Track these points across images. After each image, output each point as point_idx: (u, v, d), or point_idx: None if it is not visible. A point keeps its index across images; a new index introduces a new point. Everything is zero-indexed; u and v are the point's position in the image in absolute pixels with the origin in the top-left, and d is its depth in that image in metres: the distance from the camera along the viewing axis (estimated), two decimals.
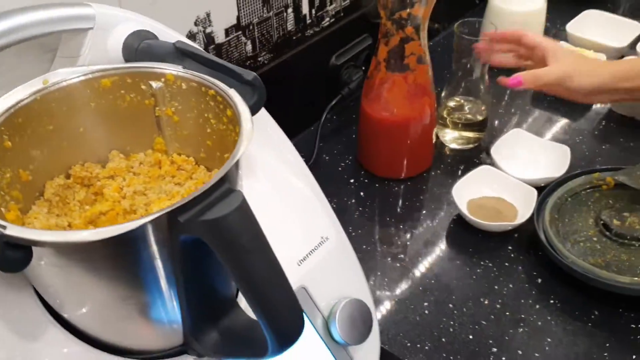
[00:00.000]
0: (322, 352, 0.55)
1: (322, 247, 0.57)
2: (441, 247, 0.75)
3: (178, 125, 0.52)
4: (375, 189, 0.83)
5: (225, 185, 0.39)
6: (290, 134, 0.89)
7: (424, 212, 0.80)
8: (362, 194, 0.82)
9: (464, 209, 0.75)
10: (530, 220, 0.73)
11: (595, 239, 0.70)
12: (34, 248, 0.37)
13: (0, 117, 0.45)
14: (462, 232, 0.76)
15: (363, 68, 0.94)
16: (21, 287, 0.46)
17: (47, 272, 0.41)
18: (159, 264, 0.40)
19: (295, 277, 0.54)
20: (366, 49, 0.94)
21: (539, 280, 0.70)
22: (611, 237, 0.70)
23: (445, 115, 0.86)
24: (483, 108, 0.85)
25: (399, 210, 0.81)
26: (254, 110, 0.47)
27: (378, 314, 0.67)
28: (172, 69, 0.49)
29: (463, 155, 0.87)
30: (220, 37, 0.72)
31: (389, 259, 0.74)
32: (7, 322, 0.44)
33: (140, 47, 0.51)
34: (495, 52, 0.81)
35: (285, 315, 0.40)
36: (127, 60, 0.51)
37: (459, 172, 0.84)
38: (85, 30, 0.50)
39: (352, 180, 0.84)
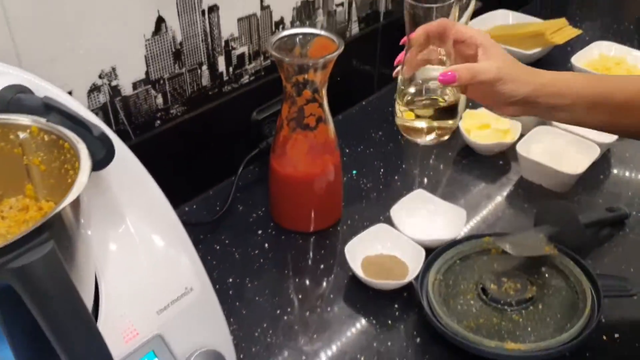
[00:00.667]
0: None
1: (185, 297, 0.59)
2: (332, 302, 0.77)
3: (45, 174, 0.55)
4: (280, 242, 0.86)
5: (44, 235, 0.41)
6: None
7: (322, 266, 0.82)
8: (266, 245, 0.85)
9: (357, 266, 0.78)
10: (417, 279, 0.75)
11: (472, 302, 0.73)
12: None
13: None
14: (356, 288, 0.79)
15: None
16: None
17: None
18: None
19: (152, 325, 0.57)
20: None
21: (418, 340, 0.72)
22: (486, 302, 0.72)
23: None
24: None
25: (299, 264, 0.83)
26: (102, 164, 0.50)
27: None
28: (35, 122, 0.52)
29: (371, 212, 0.89)
30: (127, 90, 0.76)
31: (277, 311, 0.76)
32: None
33: (12, 99, 0.54)
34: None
35: None
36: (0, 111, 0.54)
37: (364, 229, 0.87)
38: None
39: (260, 232, 0.87)
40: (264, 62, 0.93)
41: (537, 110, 0.67)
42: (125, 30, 0.73)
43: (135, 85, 0.77)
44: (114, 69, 0.74)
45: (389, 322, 0.74)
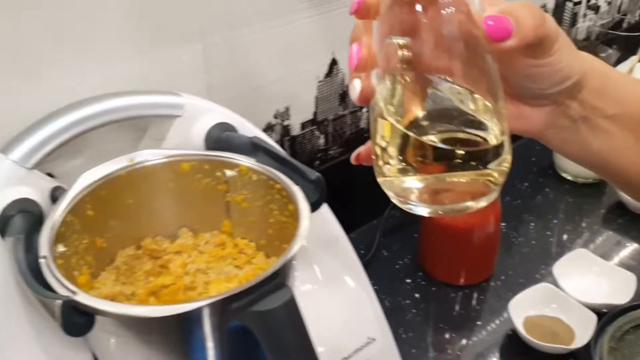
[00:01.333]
0: None
1: (367, 347, 0.57)
2: None
3: (245, 211, 0.55)
4: (431, 293, 0.83)
5: (277, 280, 0.41)
6: (353, 226, 0.93)
7: (479, 322, 0.79)
8: (417, 295, 0.83)
9: (519, 326, 0.74)
10: (586, 346, 0.70)
11: None
12: (97, 316, 0.40)
13: (87, 189, 0.49)
14: (516, 348, 0.75)
15: None
16: (83, 353, 0.49)
17: (106, 340, 0.43)
18: (209, 346, 0.42)
19: None
20: None
21: None
22: None
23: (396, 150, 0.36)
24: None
25: (454, 317, 0.80)
26: (314, 207, 0.49)
27: None
28: (246, 161, 0.53)
29: (524, 269, 0.86)
30: (295, 130, 0.77)
31: None
32: None
33: (220, 137, 0.55)
34: None
35: None
36: (207, 148, 0.55)
37: (519, 285, 0.83)
38: (174, 117, 0.55)
39: (408, 280, 0.85)
40: None
41: (569, 117, 0.39)
42: (304, 72, 0.74)
43: (303, 126, 0.78)
44: (287, 109, 0.74)
45: None
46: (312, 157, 0.82)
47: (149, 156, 0.53)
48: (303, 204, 0.48)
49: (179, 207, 0.56)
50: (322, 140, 0.81)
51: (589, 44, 1.16)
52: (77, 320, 0.38)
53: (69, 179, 0.50)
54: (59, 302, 0.37)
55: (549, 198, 0.99)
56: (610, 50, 1.19)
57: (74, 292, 0.39)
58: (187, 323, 0.41)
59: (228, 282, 0.51)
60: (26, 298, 0.46)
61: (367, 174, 0.98)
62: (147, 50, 0.60)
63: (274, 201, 0.52)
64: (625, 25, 1.27)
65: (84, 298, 0.39)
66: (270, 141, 0.55)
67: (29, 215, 0.46)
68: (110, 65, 0.58)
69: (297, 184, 0.50)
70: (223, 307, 0.39)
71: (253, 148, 0.54)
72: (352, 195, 0.89)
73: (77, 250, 0.49)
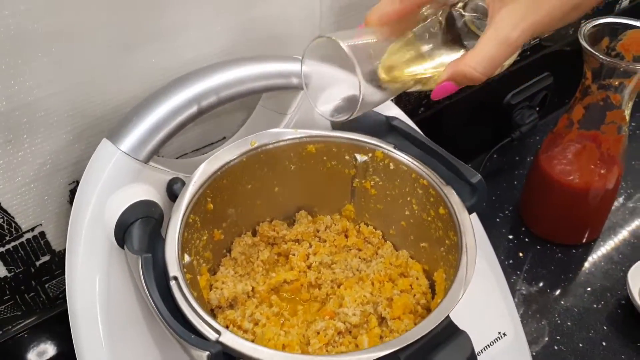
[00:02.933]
0: None
1: (497, 343, 0.53)
2: (603, 333, 0.69)
3: (373, 198, 0.49)
4: (535, 251, 0.77)
5: (448, 322, 0.35)
6: None
7: (589, 289, 0.73)
8: (520, 254, 0.77)
9: (635, 294, 0.68)
10: None
11: None
12: None
13: (208, 181, 0.43)
14: (628, 321, 0.70)
15: (537, 109, 0.87)
16: None
17: None
18: None
19: None
20: (544, 89, 0.86)
21: None
22: None
23: None
24: None
25: (563, 281, 0.74)
26: (469, 212, 0.42)
27: None
28: (383, 147, 0.46)
29: (635, 234, 0.79)
30: None
31: (546, 338, 0.68)
32: None
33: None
34: None
35: None
36: (334, 127, 0.48)
37: (629, 249, 0.77)
38: (299, 90, 0.47)
39: (510, 237, 0.79)
40: (533, 40, 0.82)
41: None
42: None
43: None
44: None
45: None
46: (416, 104, 0.73)
47: (271, 137, 0.46)
48: (462, 213, 0.41)
49: (299, 189, 0.49)
50: None
51: None
52: None
53: (170, 163, 0.44)
54: (205, 354, 0.32)
55: None
56: None
57: (218, 333, 0.34)
58: None
59: (359, 282, 0.46)
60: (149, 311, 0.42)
61: (471, 115, 0.89)
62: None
63: (414, 195, 0.46)
64: None
65: (231, 340, 0.34)
66: (411, 124, 0.47)
67: (149, 221, 0.40)
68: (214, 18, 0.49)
69: (447, 183, 0.43)
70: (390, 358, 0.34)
71: (390, 130, 0.46)
72: (453, 136, 0.81)
73: (197, 251, 0.44)
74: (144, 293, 0.36)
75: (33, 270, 0.51)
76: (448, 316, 0.35)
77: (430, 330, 0.34)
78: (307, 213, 0.51)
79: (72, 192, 0.49)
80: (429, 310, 0.44)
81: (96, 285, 0.40)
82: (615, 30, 0.66)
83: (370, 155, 0.46)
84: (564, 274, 0.75)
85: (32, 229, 0.49)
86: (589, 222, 0.77)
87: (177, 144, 0.52)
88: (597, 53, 0.62)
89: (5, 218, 0.47)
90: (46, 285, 0.53)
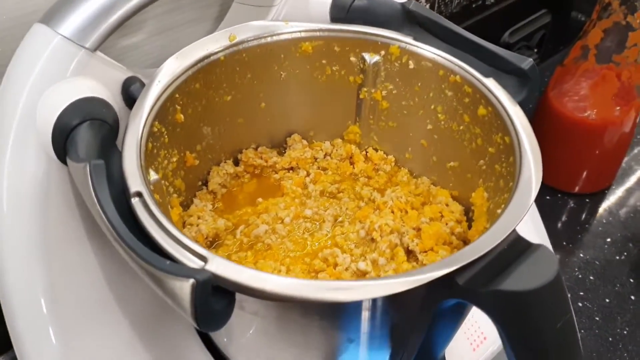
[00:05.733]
0: None
1: None
2: (631, 286, 0.61)
3: (385, 113, 0.39)
4: (546, 202, 0.69)
5: (517, 237, 0.26)
6: None
7: (608, 239, 0.65)
8: (548, 209, 0.68)
9: None
10: None
11: None
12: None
13: (177, 81, 0.33)
14: None
15: (535, 50, 0.79)
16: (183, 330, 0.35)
17: (241, 320, 0.29)
18: (389, 329, 0.28)
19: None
20: (542, 28, 0.79)
21: None
22: None
23: None
24: None
25: (577, 232, 0.66)
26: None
27: None
28: (400, 40, 0.36)
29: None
30: None
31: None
32: None
33: (354, 3, 0.37)
34: None
35: None
36: (333, 20, 0.38)
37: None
38: None
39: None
40: None
41: None
42: None
43: None
44: None
45: None
46: None
47: (256, 31, 0.36)
48: (514, 107, 0.31)
49: (290, 106, 0.39)
50: None
51: None
52: (215, 307, 0.23)
53: (129, 65, 0.34)
54: (189, 282, 0.22)
55: None
56: None
57: (203, 259, 0.24)
58: (372, 306, 0.26)
59: (378, 212, 0.36)
60: (104, 243, 0.31)
61: None
62: None
63: (440, 100, 0.36)
64: None
65: (225, 268, 0.24)
66: (432, 13, 0.37)
67: (100, 125, 0.29)
68: None
69: (487, 76, 0.33)
70: (444, 282, 0.24)
71: (408, 19, 0.36)
72: None
73: (165, 174, 0.33)
74: (98, 214, 0.25)
75: None
76: (515, 230, 0.26)
77: (498, 244, 0.25)
78: (301, 138, 0.41)
79: None
80: (466, 242, 0.34)
81: (28, 216, 0.30)
82: None
83: (383, 53, 0.36)
84: (579, 225, 0.67)
85: None
86: (606, 165, 0.69)
87: (130, 62, 0.41)
88: None
89: None
90: None
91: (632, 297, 0.60)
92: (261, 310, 0.27)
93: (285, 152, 0.40)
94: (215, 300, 0.23)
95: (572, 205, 0.69)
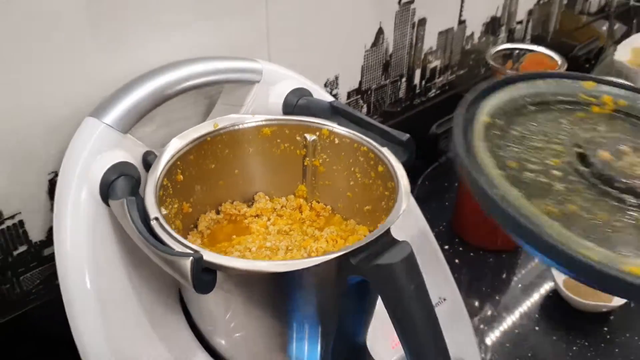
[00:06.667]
0: None
1: (439, 307, 0.59)
2: (536, 321, 0.76)
3: (322, 175, 0.56)
4: (469, 258, 0.85)
5: (390, 236, 0.42)
6: None
7: (520, 285, 0.81)
8: (457, 261, 0.85)
9: (561, 285, 0.77)
10: (626, 305, 0.73)
11: (556, 173, 0.41)
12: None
13: (178, 153, 0.50)
14: (556, 308, 0.77)
15: None
16: (178, 320, 0.50)
17: (216, 298, 0.44)
18: (316, 301, 0.44)
19: None
20: None
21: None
22: (588, 179, 0.41)
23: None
24: None
25: (493, 281, 0.82)
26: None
27: None
28: (328, 125, 0.54)
29: None
30: (342, 99, 0.78)
31: (485, 327, 0.75)
32: (166, 347, 0.48)
33: (298, 103, 0.56)
34: None
35: None
36: (285, 113, 0.56)
37: None
38: (252, 83, 0.55)
39: (446, 247, 0.87)
40: (450, 76, 0.94)
41: None
42: (351, 41, 0.74)
43: (349, 95, 0.78)
44: (336, 78, 0.75)
45: (602, 345, 0.72)
46: None
47: (233, 121, 0.53)
48: (397, 164, 0.49)
49: (257, 172, 0.56)
50: (365, 110, 0.82)
51: (598, 18, 1.19)
52: (205, 278, 0.39)
53: (147, 143, 0.50)
54: (189, 260, 0.38)
55: None
56: (617, 24, 1.22)
57: (196, 251, 0.40)
58: (301, 280, 0.42)
59: (316, 241, 0.52)
60: (130, 261, 0.47)
61: None
62: (212, 18, 0.59)
63: (356, 164, 0.53)
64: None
65: (209, 255, 0.39)
66: (348, 107, 0.55)
67: (130, 179, 0.46)
68: (175, 34, 0.57)
69: (383, 145, 0.51)
70: (342, 264, 0.40)
71: (333, 112, 0.54)
72: None
73: (169, 216, 0.49)
74: (130, 227, 0.41)
75: (10, 259, 0.55)
76: (388, 231, 0.42)
77: (377, 238, 0.41)
78: (264, 194, 0.57)
79: (51, 183, 0.54)
80: None
81: (84, 243, 0.45)
82: (517, 55, 0.79)
83: (317, 134, 0.54)
84: (497, 275, 0.83)
85: (12, 217, 0.53)
86: None
87: (147, 141, 0.58)
88: (503, 67, 0.74)
89: None
90: (21, 278, 0.57)
91: (536, 328, 0.75)
92: (232, 289, 0.42)
93: (252, 204, 0.57)
94: (204, 274, 0.39)
95: (491, 260, 0.85)
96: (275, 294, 0.43)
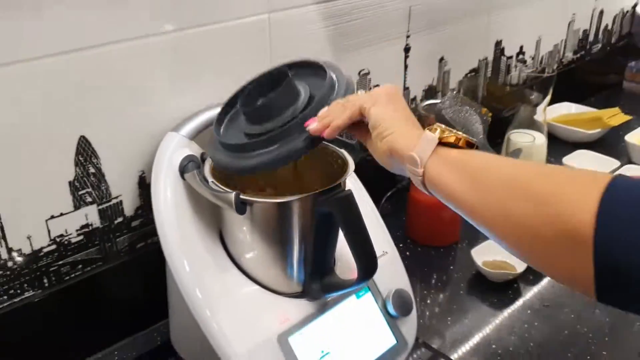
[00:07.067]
0: (381, 322, 0.88)
1: (383, 257, 0.91)
2: (464, 289, 1.08)
3: (309, 165, 0.91)
4: (417, 252, 1.18)
5: (343, 187, 0.76)
6: None
7: (452, 267, 1.14)
8: (407, 253, 1.17)
9: (480, 264, 1.09)
10: (525, 271, 1.06)
11: None
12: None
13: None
14: (477, 281, 1.09)
15: None
16: (219, 248, 0.82)
17: (243, 226, 0.77)
18: (299, 226, 0.77)
19: None
20: None
21: (528, 312, 1.01)
22: None
23: None
24: None
25: (436, 266, 1.14)
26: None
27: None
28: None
29: (473, 239, 1.21)
30: None
31: (427, 291, 1.07)
32: (213, 262, 0.80)
33: None
34: None
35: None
36: None
37: (478, 242, 1.19)
38: None
39: (401, 245, 1.19)
40: None
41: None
42: None
43: None
44: None
45: (506, 302, 1.04)
46: None
47: None
48: (349, 157, 0.83)
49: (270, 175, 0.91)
50: None
51: (519, 88, 1.58)
52: (241, 206, 0.72)
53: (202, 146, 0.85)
54: (233, 194, 0.72)
55: None
56: (534, 93, 1.60)
57: (237, 192, 0.73)
58: (291, 208, 0.75)
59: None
60: (197, 216, 0.80)
61: (370, 170, 1.34)
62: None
63: (327, 158, 0.88)
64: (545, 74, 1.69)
65: (242, 195, 0.73)
66: None
67: (195, 164, 0.80)
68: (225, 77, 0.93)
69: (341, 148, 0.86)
70: (317, 198, 0.74)
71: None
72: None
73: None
74: (198, 184, 0.75)
75: (112, 226, 0.88)
76: (341, 183, 0.76)
77: (335, 186, 0.74)
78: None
79: (140, 177, 0.88)
80: None
81: (171, 203, 0.79)
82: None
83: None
84: (437, 263, 1.15)
85: (117, 197, 0.87)
86: (447, 229, 1.19)
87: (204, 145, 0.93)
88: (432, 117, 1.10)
89: (106, 186, 0.85)
90: (117, 240, 0.90)
91: (461, 301, 1.07)
92: (254, 216, 0.76)
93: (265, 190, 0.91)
94: (240, 203, 0.72)
95: (433, 253, 1.18)
96: (277, 219, 0.76)
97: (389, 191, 1.28)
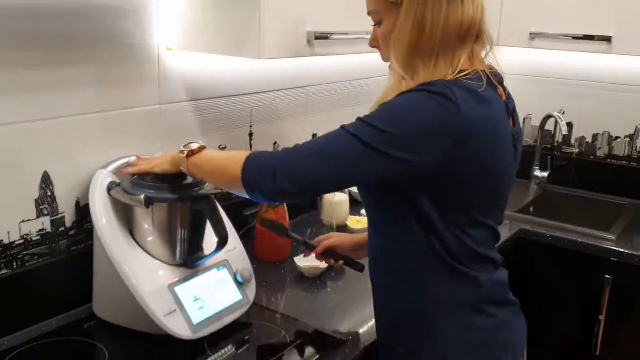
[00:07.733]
0: (233, 285, 1.42)
1: (232, 251, 1.47)
2: (289, 285, 1.65)
3: None
4: (261, 265, 1.74)
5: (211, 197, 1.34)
6: None
7: (282, 271, 1.71)
8: (254, 265, 1.73)
9: (301, 265, 1.67)
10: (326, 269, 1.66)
11: None
12: None
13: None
14: (298, 277, 1.67)
15: None
16: (130, 239, 1.35)
17: (145, 219, 1.31)
18: (180, 220, 1.32)
19: (222, 257, 1.44)
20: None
21: (328, 290, 1.60)
22: None
23: None
24: None
25: (275, 270, 1.71)
26: None
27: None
28: None
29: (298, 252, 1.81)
30: None
31: (263, 290, 1.63)
32: (128, 251, 1.32)
33: None
34: None
35: (223, 232, 1.31)
36: None
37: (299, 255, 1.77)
38: None
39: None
40: None
41: None
42: None
43: None
44: None
45: (314, 289, 1.62)
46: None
47: None
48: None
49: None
50: None
51: None
52: (147, 202, 1.27)
53: None
54: (143, 196, 1.27)
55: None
56: None
57: (145, 195, 1.28)
58: (176, 205, 1.31)
59: None
60: (117, 218, 1.33)
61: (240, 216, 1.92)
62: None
63: None
64: None
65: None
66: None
67: (116, 185, 1.34)
68: None
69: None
70: (195, 200, 1.30)
71: None
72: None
73: None
74: (120, 194, 1.30)
75: (57, 232, 1.37)
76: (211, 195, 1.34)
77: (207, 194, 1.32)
78: None
79: (77, 202, 1.40)
80: None
81: (103, 210, 1.32)
82: None
83: None
84: (275, 272, 1.72)
85: (62, 213, 1.37)
86: (279, 250, 1.77)
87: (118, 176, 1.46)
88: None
89: (56, 205, 1.36)
90: (60, 242, 1.39)
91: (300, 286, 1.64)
92: (154, 210, 1.30)
93: None
94: (147, 201, 1.27)
95: (270, 266, 1.75)
96: (167, 214, 1.31)
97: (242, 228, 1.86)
